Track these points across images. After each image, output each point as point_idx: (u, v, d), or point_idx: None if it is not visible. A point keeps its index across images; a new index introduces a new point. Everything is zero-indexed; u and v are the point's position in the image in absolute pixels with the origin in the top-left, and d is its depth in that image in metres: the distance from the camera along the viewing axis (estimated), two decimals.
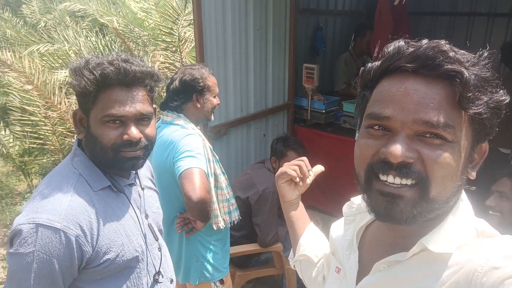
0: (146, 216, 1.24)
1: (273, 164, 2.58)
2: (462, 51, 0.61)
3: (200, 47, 2.56)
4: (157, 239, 1.27)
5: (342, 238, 0.82)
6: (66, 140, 3.87)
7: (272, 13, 3.11)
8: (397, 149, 0.58)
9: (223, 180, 1.89)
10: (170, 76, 2.24)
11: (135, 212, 1.19)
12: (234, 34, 2.82)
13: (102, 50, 4.73)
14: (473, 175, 0.65)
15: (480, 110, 0.58)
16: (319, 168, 1.04)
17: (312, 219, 2.58)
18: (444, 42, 0.60)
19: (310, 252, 1.01)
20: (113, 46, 4.90)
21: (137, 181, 1.25)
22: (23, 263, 0.97)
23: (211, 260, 1.89)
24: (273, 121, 3.46)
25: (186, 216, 1.76)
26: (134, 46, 4.80)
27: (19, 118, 4.07)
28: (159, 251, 1.27)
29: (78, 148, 1.14)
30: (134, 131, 1.07)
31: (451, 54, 0.58)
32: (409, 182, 0.60)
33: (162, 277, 1.26)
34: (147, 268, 1.21)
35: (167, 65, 3.96)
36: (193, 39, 2.64)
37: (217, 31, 2.67)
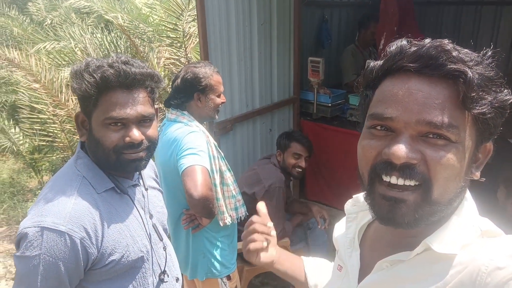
0: (151, 216, 1.25)
1: (277, 157, 2.60)
2: (465, 50, 0.60)
3: (204, 43, 2.56)
4: (161, 239, 1.28)
5: (344, 235, 0.82)
6: (75, 137, 3.91)
7: (276, 6, 3.08)
8: (400, 150, 0.57)
9: (229, 176, 1.90)
10: (176, 72, 2.24)
11: (139, 212, 1.20)
12: (238, 29, 2.81)
13: (108, 47, 4.75)
14: (477, 175, 0.65)
15: (484, 110, 0.57)
16: (263, 209, 0.95)
17: (319, 214, 2.59)
18: (447, 41, 0.59)
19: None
20: (118, 43, 4.91)
21: (141, 181, 1.26)
22: (29, 266, 0.99)
23: (218, 257, 1.91)
24: (278, 115, 3.45)
25: (192, 213, 1.78)
26: (139, 42, 4.81)
27: (28, 116, 4.13)
28: (164, 250, 1.28)
29: (81, 150, 1.15)
30: (135, 133, 1.08)
31: (455, 53, 0.58)
32: (412, 183, 0.59)
33: (168, 276, 1.27)
34: (152, 267, 1.22)
35: (173, 61, 3.96)
36: (197, 34, 2.63)
37: (221, 26, 2.66)
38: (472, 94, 0.56)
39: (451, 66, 0.57)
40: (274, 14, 3.10)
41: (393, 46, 0.63)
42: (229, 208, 1.90)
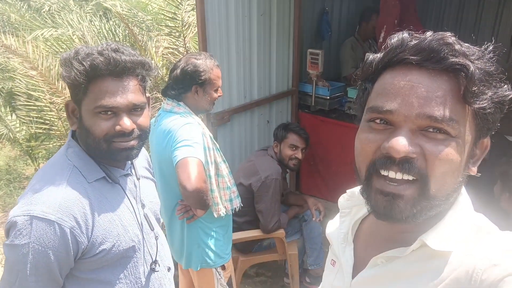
0: (143, 206, 1.25)
1: (274, 148, 2.59)
2: (467, 44, 0.59)
3: (202, 33, 2.53)
4: (153, 229, 1.27)
5: (337, 230, 0.81)
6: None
7: None
8: (400, 144, 0.57)
9: (224, 168, 1.90)
10: (174, 62, 2.22)
11: (130, 202, 1.19)
12: (237, 19, 2.78)
13: (106, 35, 4.71)
14: (474, 170, 0.64)
15: (485, 104, 0.57)
16: None
17: (314, 206, 2.59)
18: (450, 34, 0.59)
19: None
20: (117, 31, 4.86)
21: (133, 171, 1.25)
22: (19, 254, 0.99)
23: (212, 247, 1.91)
24: (277, 107, 3.44)
25: (187, 204, 1.78)
26: (138, 31, 4.76)
27: (25, 103, 4.09)
28: (155, 240, 1.28)
29: (72, 139, 1.14)
30: (126, 122, 1.06)
31: (457, 47, 0.57)
32: (410, 177, 0.59)
33: (159, 265, 1.27)
34: (143, 257, 1.22)
35: (171, 50, 3.93)
36: (196, 23, 2.61)
37: (220, 16, 2.63)
38: (474, 88, 0.56)
39: (453, 59, 0.56)
40: (274, 5, 3.07)
41: (394, 39, 0.62)
42: (223, 200, 1.90)
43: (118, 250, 1.11)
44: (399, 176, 0.59)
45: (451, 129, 0.57)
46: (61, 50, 4.30)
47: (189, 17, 3.70)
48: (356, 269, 0.73)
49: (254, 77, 3.09)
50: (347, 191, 0.83)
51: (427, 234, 0.62)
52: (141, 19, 4.65)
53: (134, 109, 1.09)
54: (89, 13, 5.74)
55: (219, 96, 1.88)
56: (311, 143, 3.61)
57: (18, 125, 4.46)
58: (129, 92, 1.06)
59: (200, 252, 1.91)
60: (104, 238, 1.08)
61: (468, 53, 0.57)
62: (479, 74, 0.56)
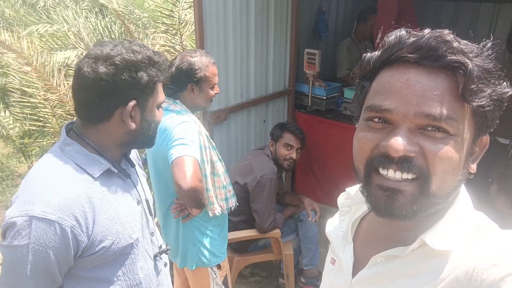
0: (138, 202, 1.25)
1: (270, 147, 2.58)
2: (465, 41, 0.59)
3: (200, 31, 2.51)
4: (149, 225, 1.28)
5: (337, 229, 0.80)
6: (66, 122, 3.85)
7: None
8: (398, 142, 0.56)
9: (220, 166, 1.88)
10: (170, 59, 2.20)
11: (128, 198, 1.19)
12: (235, 17, 2.77)
13: (101, 32, 4.67)
14: (473, 168, 0.64)
15: (483, 102, 0.57)
16: None
17: (310, 206, 2.59)
18: (448, 31, 0.58)
19: None
20: (113, 28, 4.83)
21: (128, 166, 1.26)
22: (18, 255, 0.97)
23: (208, 246, 1.90)
24: (273, 107, 3.43)
25: (182, 202, 1.76)
26: (134, 28, 4.73)
27: (18, 99, 4.04)
28: (152, 236, 1.28)
29: (68, 137, 1.12)
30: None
31: (455, 44, 0.56)
32: (410, 176, 0.58)
33: (157, 261, 1.28)
34: (141, 253, 1.22)
35: (167, 48, 3.90)
36: (194, 21, 2.59)
37: (218, 14, 2.62)
38: (472, 86, 0.55)
39: (451, 57, 0.56)
40: (272, 3, 3.06)
41: (392, 36, 0.61)
42: (219, 199, 1.89)
43: (117, 247, 1.11)
44: (398, 175, 0.58)
45: (450, 127, 0.57)
46: (56, 46, 4.26)
47: (186, 15, 3.68)
48: (356, 268, 0.73)
49: (251, 76, 3.08)
50: (346, 189, 0.83)
51: (427, 233, 0.61)
52: (138, 16, 4.62)
53: None
54: (85, 9, 5.70)
55: (216, 93, 1.86)
56: (306, 143, 3.62)
57: (11, 122, 4.41)
58: None
59: (196, 251, 1.90)
60: (104, 236, 1.08)
61: (466, 50, 0.57)
62: (477, 71, 0.55)
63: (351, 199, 0.80)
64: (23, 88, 3.94)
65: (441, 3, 4.91)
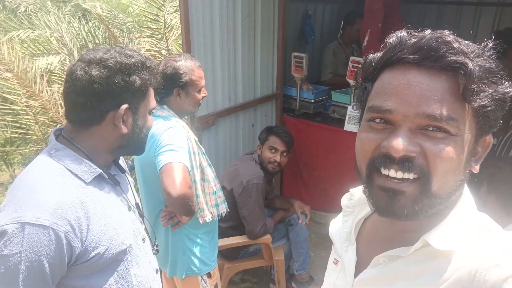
0: (129, 208, 1.22)
1: (257, 151, 2.56)
2: (466, 41, 0.59)
3: (186, 35, 2.48)
4: (141, 231, 1.25)
5: (340, 230, 0.81)
6: (49, 130, 3.76)
7: (260, 0, 3.03)
8: (399, 143, 0.57)
9: (209, 172, 1.85)
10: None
11: (119, 203, 1.17)
12: (222, 21, 2.74)
13: (85, 37, 4.60)
14: (476, 168, 0.64)
15: (485, 102, 0.57)
16: None
17: (300, 209, 2.56)
18: (448, 32, 0.58)
19: None
20: (96, 33, 4.76)
21: (118, 172, 1.25)
22: (9, 264, 0.93)
23: (198, 254, 1.86)
24: (261, 111, 3.41)
25: (171, 210, 1.72)
26: (118, 33, 4.66)
27: None
28: (143, 242, 1.26)
29: (58, 142, 1.09)
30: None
31: (455, 45, 0.57)
32: (411, 176, 0.58)
33: (149, 268, 1.25)
34: (134, 260, 1.19)
35: (153, 53, 3.86)
36: (180, 26, 2.56)
37: (204, 18, 2.59)
38: (473, 87, 0.55)
39: (452, 57, 0.56)
40: (259, 8, 3.05)
41: (393, 38, 0.62)
42: (209, 205, 1.85)
43: (110, 253, 1.08)
44: (399, 175, 0.59)
45: (451, 127, 0.57)
46: (38, 51, 4.16)
47: (171, 19, 3.64)
48: (359, 268, 0.73)
49: (239, 80, 3.06)
50: (350, 190, 0.83)
51: (430, 234, 0.62)
52: (122, 21, 4.56)
53: None
54: (67, 14, 5.60)
55: (203, 96, 1.83)
56: (295, 146, 3.60)
57: None
58: None
59: (186, 260, 1.85)
60: (98, 242, 1.05)
61: (467, 51, 0.57)
62: (478, 71, 0.56)
63: (355, 200, 0.81)
64: (4, 95, 3.84)
65: (425, 6, 5.00)
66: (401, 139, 0.57)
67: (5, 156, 4.25)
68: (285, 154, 2.53)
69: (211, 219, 1.85)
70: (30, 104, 3.59)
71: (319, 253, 3.22)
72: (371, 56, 0.65)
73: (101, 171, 1.11)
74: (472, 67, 0.55)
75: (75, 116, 1.10)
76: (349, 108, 3.15)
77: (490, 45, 0.59)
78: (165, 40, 3.67)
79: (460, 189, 0.64)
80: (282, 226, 2.70)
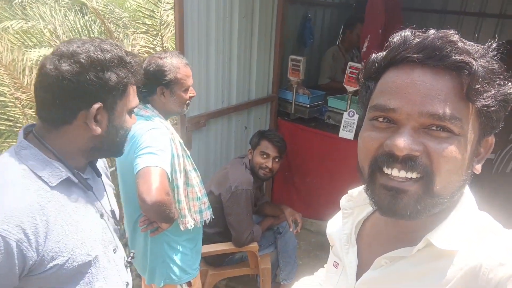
0: (102, 215, 1.13)
1: (248, 155, 2.47)
2: (470, 42, 0.59)
3: (180, 33, 2.39)
4: (112, 240, 1.16)
5: (340, 232, 0.80)
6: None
7: (259, 0, 2.96)
8: (402, 141, 0.57)
9: (194, 176, 1.76)
10: None
11: (89, 210, 1.08)
12: (218, 20, 2.66)
13: (80, 31, 4.50)
14: (478, 168, 0.64)
15: (488, 102, 0.57)
16: None
17: (291, 216, 2.47)
18: (452, 32, 0.58)
19: None
20: (92, 27, 4.66)
21: (94, 175, 1.16)
22: None
23: (178, 262, 1.77)
24: (255, 113, 3.33)
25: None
26: (114, 27, 4.57)
27: None
28: (114, 253, 1.17)
29: (25, 140, 1.01)
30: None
31: (460, 44, 0.57)
32: (414, 175, 0.58)
33: (117, 281, 1.16)
34: (101, 272, 1.10)
35: (148, 49, 3.77)
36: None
37: (199, 15, 2.51)
38: (477, 86, 0.55)
39: (456, 57, 0.56)
40: (257, 9, 2.98)
41: (397, 37, 0.62)
42: (192, 211, 1.77)
43: (72, 265, 0.99)
44: (402, 174, 0.58)
45: (455, 127, 0.57)
46: (30, 43, 4.06)
47: (168, 16, 3.56)
48: (360, 270, 0.72)
49: (233, 81, 2.97)
50: (349, 191, 0.82)
51: (433, 233, 0.61)
52: (118, 15, 4.46)
53: None
54: (64, 7, 5.50)
55: (191, 96, 1.73)
56: (288, 151, 3.52)
57: None
58: None
59: (165, 268, 1.77)
60: (57, 252, 0.95)
61: (471, 51, 0.57)
62: (482, 71, 0.55)
63: (354, 201, 0.80)
64: None
65: (426, 15, 4.97)
66: (405, 138, 0.57)
67: None
68: (277, 160, 2.44)
69: (193, 225, 1.76)
70: (18, 96, 3.49)
71: (307, 262, 3.14)
72: (374, 55, 0.65)
73: (70, 174, 1.02)
74: (476, 66, 0.55)
75: (45, 114, 1.02)
76: (345, 114, 3.08)
77: (494, 45, 0.59)
78: (161, 37, 3.58)
79: (462, 189, 0.64)
80: (271, 233, 2.61)
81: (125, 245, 1.32)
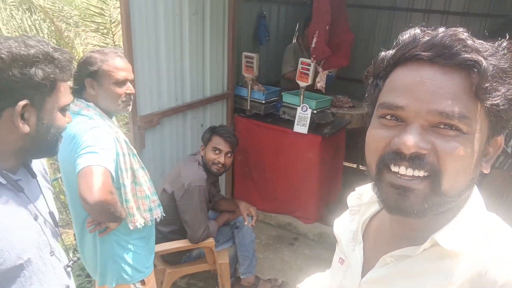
0: (36, 217, 1.10)
1: (201, 152, 2.48)
2: (480, 40, 0.59)
3: (127, 30, 2.36)
4: (48, 243, 1.13)
5: (346, 228, 0.80)
6: None
7: None
8: (410, 139, 0.56)
9: (142, 175, 1.75)
10: None
11: (21, 212, 1.05)
12: (167, 17, 2.64)
13: (28, 30, 4.32)
14: (487, 168, 0.63)
15: (498, 101, 0.56)
16: None
17: (246, 210, 2.50)
18: (462, 29, 0.58)
19: None
20: (42, 26, 4.49)
21: (28, 177, 1.12)
22: None
23: (130, 261, 1.76)
24: (211, 110, 3.33)
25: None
26: (65, 26, 4.43)
27: None
28: (51, 255, 1.13)
29: None
30: None
31: (469, 42, 0.56)
32: (421, 174, 0.58)
33: (55, 284, 1.13)
34: (36, 275, 1.06)
35: (100, 48, 3.68)
36: None
37: (147, 12, 2.48)
38: (486, 85, 0.55)
39: (465, 55, 0.55)
40: (207, 5, 2.97)
41: (406, 35, 0.62)
42: (142, 210, 1.76)
43: (0, 269, 0.95)
44: (409, 172, 0.58)
45: (463, 125, 0.56)
46: None
47: (118, 14, 3.48)
48: (366, 268, 0.72)
49: (187, 79, 2.96)
50: (356, 189, 0.83)
51: (439, 233, 0.61)
52: (68, 14, 4.32)
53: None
54: (10, 5, 5.25)
55: (128, 93, 1.68)
56: (246, 147, 3.56)
57: None
58: None
59: (116, 267, 1.75)
60: None
61: (481, 49, 0.56)
62: (492, 70, 0.55)
63: (361, 199, 0.80)
64: None
65: (376, 12, 5.13)
66: (413, 135, 0.57)
67: None
68: (229, 155, 2.46)
69: (143, 224, 1.75)
70: None
71: (267, 255, 3.19)
72: (383, 53, 0.64)
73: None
74: (486, 65, 0.54)
75: None
76: (299, 109, 3.15)
77: (504, 44, 0.59)
78: (112, 35, 3.50)
79: (470, 189, 0.63)
80: (228, 228, 2.64)
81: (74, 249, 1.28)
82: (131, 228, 1.71)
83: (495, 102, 0.56)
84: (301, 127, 3.14)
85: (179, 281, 2.83)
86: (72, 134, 1.51)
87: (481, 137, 0.59)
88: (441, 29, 0.59)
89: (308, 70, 2.96)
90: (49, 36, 4.39)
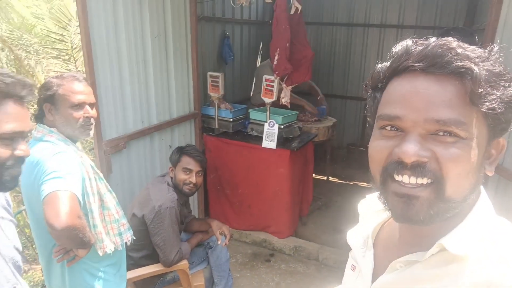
0: None
1: (170, 173, 2.45)
2: (472, 47, 0.60)
3: (88, 55, 2.34)
4: (10, 278, 1.08)
5: (358, 235, 0.82)
6: None
7: (171, 20, 2.99)
8: (410, 148, 0.58)
9: (110, 199, 1.72)
10: None
11: None
12: (129, 40, 2.65)
13: None
14: (491, 170, 0.64)
15: (494, 105, 0.57)
16: None
17: (219, 229, 2.48)
18: (452, 39, 0.60)
19: None
20: (0, 56, 4.37)
21: None
22: None
23: None
24: (179, 131, 3.33)
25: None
26: (25, 54, 4.32)
27: None
28: None
29: None
30: None
31: (460, 51, 0.58)
32: (424, 181, 0.59)
33: None
34: None
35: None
36: None
37: (108, 37, 2.48)
38: (480, 90, 0.56)
39: (457, 63, 0.57)
40: (169, 27, 3.01)
41: (399, 47, 0.63)
42: (111, 234, 1.72)
43: None
44: (412, 180, 0.59)
45: (461, 131, 0.57)
46: None
47: (79, 39, 3.45)
48: (376, 273, 0.73)
49: (152, 101, 2.96)
50: (367, 196, 0.84)
51: (446, 238, 0.62)
52: (28, 42, 4.23)
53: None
54: None
55: (87, 116, 1.65)
56: (217, 166, 3.56)
57: None
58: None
59: None
60: None
61: (472, 55, 0.58)
62: (485, 75, 0.57)
63: (372, 206, 0.81)
64: None
65: (335, 28, 5.35)
66: (412, 144, 0.58)
67: None
68: (200, 174, 2.46)
69: (113, 249, 1.71)
70: None
71: (244, 273, 3.16)
72: (379, 66, 0.66)
73: None
74: (477, 71, 0.56)
75: None
76: (266, 125, 3.20)
77: (496, 48, 0.60)
78: (74, 61, 3.46)
79: (475, 192, 0.64)
80: (201, 249, 2.60)
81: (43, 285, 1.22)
82: (101, 254, 1.66)
83: (491, 106, 0.57)
84: (269, 142, 3.18)
85: None
86: (35, 161, 1.48)
87: (481, 140, 0.60)
88: (433, 39, 0.61)
89: (272, 86, 3.04)
90: (8, 65, 4.27)
